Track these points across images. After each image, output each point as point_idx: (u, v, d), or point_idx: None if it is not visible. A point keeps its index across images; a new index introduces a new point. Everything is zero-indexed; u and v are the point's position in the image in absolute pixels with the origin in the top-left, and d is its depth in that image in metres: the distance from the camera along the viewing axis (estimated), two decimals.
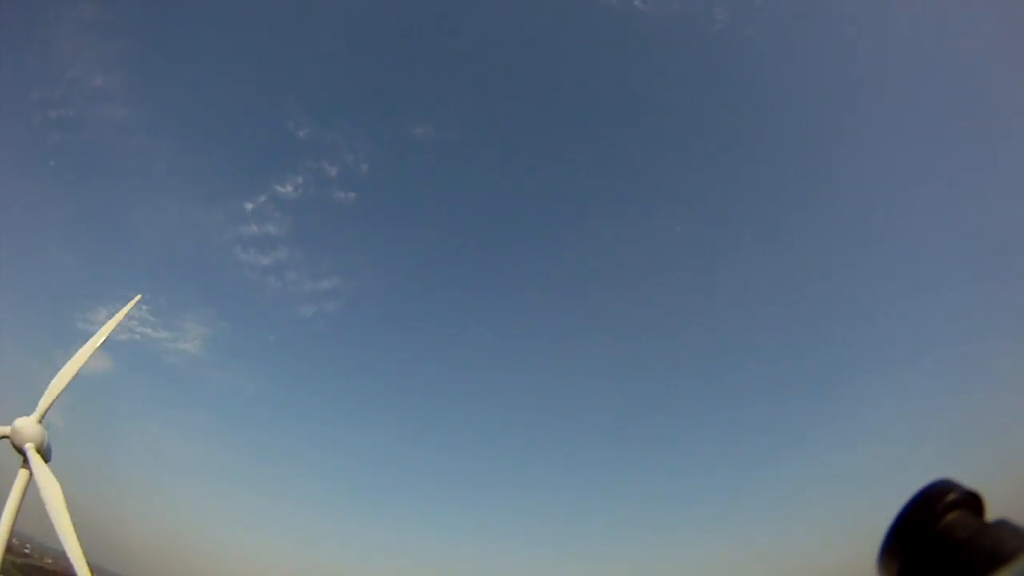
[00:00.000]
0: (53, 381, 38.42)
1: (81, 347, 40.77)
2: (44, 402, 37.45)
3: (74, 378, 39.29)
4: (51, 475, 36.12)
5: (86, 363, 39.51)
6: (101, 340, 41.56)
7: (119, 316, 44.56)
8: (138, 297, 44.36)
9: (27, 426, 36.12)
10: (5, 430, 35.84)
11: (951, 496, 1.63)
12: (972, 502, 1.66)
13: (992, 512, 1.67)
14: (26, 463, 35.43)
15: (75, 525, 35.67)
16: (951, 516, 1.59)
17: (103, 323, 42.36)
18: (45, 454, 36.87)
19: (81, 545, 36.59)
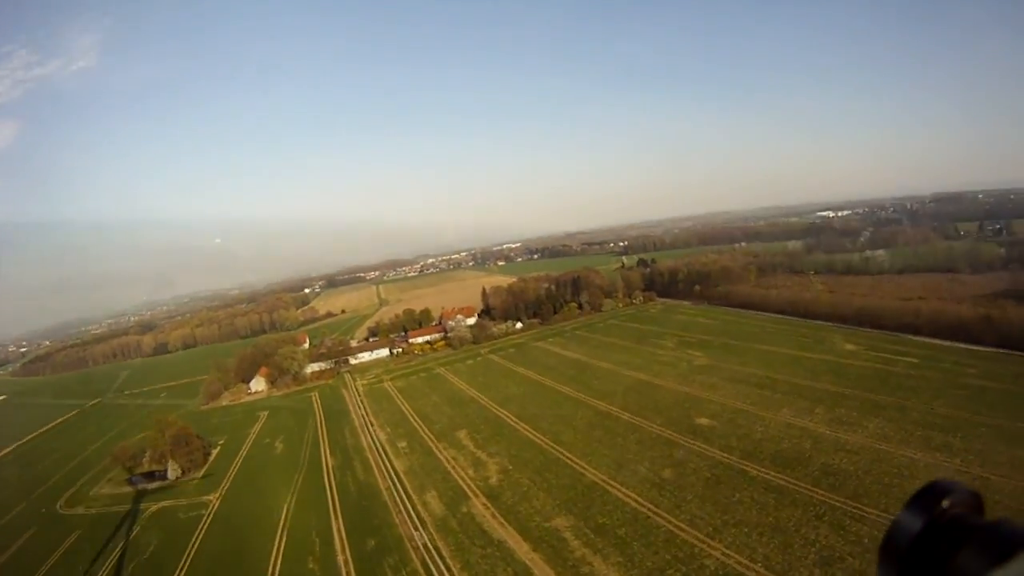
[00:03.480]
0: None
1: None
2: None
3: None
4: None
5: None
6: None
7: None
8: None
9: None
10: None
11: (950, 496, 1.64)
12: (971, 502, 1.66)
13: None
14: None
15: None
16: (950, 516, 1.59)
17: None
18: None
19: None
